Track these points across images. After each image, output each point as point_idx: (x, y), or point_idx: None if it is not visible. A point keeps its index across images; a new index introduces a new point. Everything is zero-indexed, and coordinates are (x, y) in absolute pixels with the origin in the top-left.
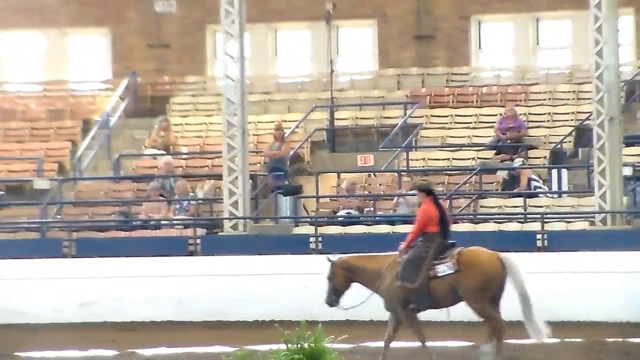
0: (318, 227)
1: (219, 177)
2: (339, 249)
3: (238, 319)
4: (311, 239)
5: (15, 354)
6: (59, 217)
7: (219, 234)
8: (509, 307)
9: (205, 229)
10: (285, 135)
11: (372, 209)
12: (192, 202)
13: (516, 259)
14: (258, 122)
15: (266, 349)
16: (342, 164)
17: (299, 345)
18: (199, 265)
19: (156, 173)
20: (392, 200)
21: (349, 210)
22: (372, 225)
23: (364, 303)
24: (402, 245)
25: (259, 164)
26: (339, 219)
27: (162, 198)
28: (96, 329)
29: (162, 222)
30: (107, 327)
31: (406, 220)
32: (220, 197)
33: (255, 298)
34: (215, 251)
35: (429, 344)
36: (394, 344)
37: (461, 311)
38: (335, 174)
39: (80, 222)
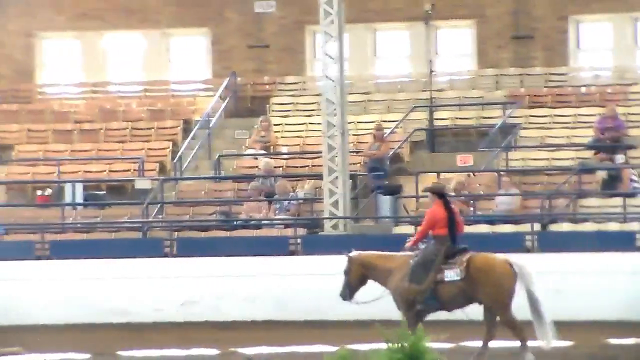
0: (418, 227)
1: (319, 177)
2: None
3: (338, 318)
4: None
5: (118, 353)
6: (160, 216)
7: (320, 233)
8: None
9: (305, 229)
10: (385, 135)
11: (471, 209)
12: (292, 202)
13: (615, 259)
14: (358, 122)
15: (367, 348)
16: (441, 164)
17: (400, 345)
18: (299, 265)
19: (256, 173)
20: (492, 200)
21: None
22: (471, 225)
23: (376, 300)
24: (407, 244)
25: (358, 164)
26: None
27: (262, 198)
28: (197, 328)
29: (263, 221)
30: (207, 326)
31: (506, 220)
32: (321, 197)
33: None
34: (316, 251)
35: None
36: (492, 344)
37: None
38: (435, 173)
39: (181, 222)
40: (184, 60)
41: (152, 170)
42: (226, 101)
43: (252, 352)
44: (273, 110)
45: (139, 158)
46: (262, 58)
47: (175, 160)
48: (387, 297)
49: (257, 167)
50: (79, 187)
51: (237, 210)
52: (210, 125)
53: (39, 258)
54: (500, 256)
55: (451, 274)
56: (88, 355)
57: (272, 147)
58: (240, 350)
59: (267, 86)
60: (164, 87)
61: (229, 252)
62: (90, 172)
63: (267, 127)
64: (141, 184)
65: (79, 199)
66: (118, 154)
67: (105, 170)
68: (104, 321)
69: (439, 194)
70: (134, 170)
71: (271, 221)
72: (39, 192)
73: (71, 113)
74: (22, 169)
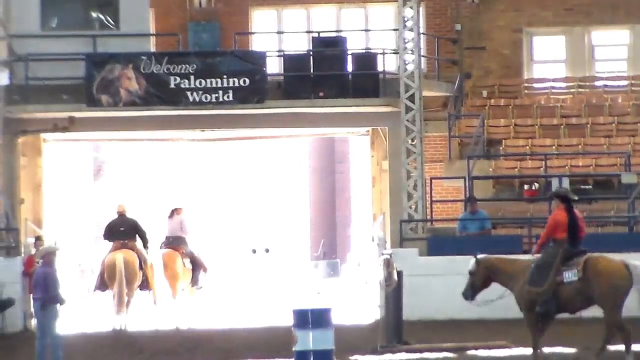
0: None
1: None
2: None
3: None
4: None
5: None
6: None
7: None
8: None
9: None
10: None
11: None
12: None
13: None
14: None
15: None
16: None
17: None
18: None
19: None
20: None
21: None
22: None
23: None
24: (534, 250)
25: None
26: None
27: None
28: None
29: None
30: None
31: None
32: None
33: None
34: None
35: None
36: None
37: None
38: None
39: None
40: None
41: (638, 164)
42: None
43: None
44: None
45: (625, 152)
46: None
47: None
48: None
49: None
50: (565, 182)
51: None
52: None
53: (526, 252)
54: (617, 257)
55: (569, 275)
56: (573, 350)
57: None
58: None
59: None
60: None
61: None
62: (577, 166)
63: None
64: (627, 178)
65: None
66: (604, 149)
67: (591, 165)
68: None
69: (563, 198)
70: (620, 164)
71: None
72: (526, 187)
73: (558, 108)
74: (510, 163)
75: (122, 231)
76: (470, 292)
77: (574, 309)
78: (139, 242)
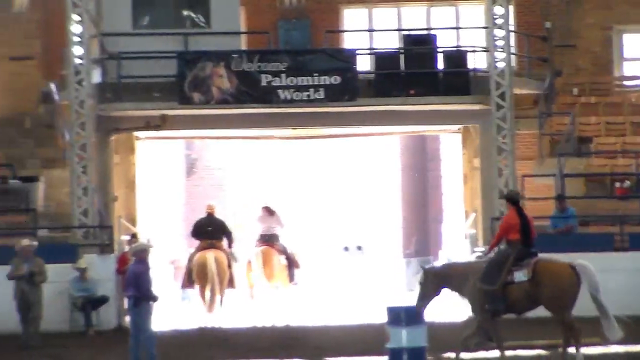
0: None
1: None
2: None
3: None
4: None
5: None
6: None
7: None
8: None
9: None
10: None
11: None
12: None
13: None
14: None
15: None
16: None
17: None
18: None
19: None
20: None
21: None
22: None
23: None
24: (486, 250)
25: None
26: None
27: None
28: None
29: None
30: None
31: None
32: None
33: None
34: None
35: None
36: None
37: None
38: None
39: None
40: None
41: None
42: None
43: None
44: None
45: None
46: None
47: None
48: None
49: None
50: None
51: None
52: None
53: (617, 250)
54: (564, 259)
55: (519, 276)
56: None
57: None
58: None
59: None
60: None
61: None
62: None
63: None
64: None
65: None
66: None
67: None
68: None
69: (513, 200)
70: None
71: None
72: (617, 184)
73: None
74: (601, 161)
75: (210, 231)
76: (422, 302)
77: (522, 309)
78: (225, 243)
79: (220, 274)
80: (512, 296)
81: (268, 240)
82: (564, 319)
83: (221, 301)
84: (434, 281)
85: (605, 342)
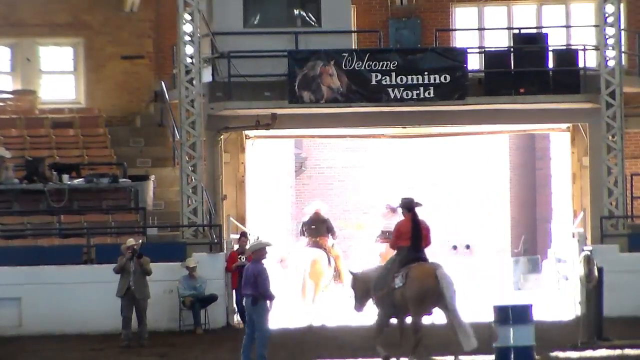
0: None
1: None
2: None
3: None
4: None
5: None
6: None
7: None
8: None
9: None
10: None
11: None
12: None
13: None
14: None
15: None
16: None
17: None
18: None
19: None
20: None
21: None
22: None
23: None
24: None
25: None
26: None
27: None
28: None
29: None
30: None
31: None
32: None
33: None
34: None
35: None
36: None
37: None
38: None
39: None
40: None
41: None
42: None
43: None
44: None
45: None
46: None
47: None
48: None
49: None
50: None
51: None
52: None
53: None
54: (432, 265)
55: (397, 281)
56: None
57: None
58: None
59: None
60: None
61: None
62: None
63: None
64: None
65: None
66: None
67: None
68: None
69: (408, 207)
70: None
71: None
72: None
73: None
74: None
75: (314, 229)
76: (357, 304)
77: (403, 314)
78: (330, 240)
79: (314, 274)
80: (395, 301)
81: (389, 237)
82: (415, 322)
83: (319, 299)
84: (360, 286)
85: (460, 351)
